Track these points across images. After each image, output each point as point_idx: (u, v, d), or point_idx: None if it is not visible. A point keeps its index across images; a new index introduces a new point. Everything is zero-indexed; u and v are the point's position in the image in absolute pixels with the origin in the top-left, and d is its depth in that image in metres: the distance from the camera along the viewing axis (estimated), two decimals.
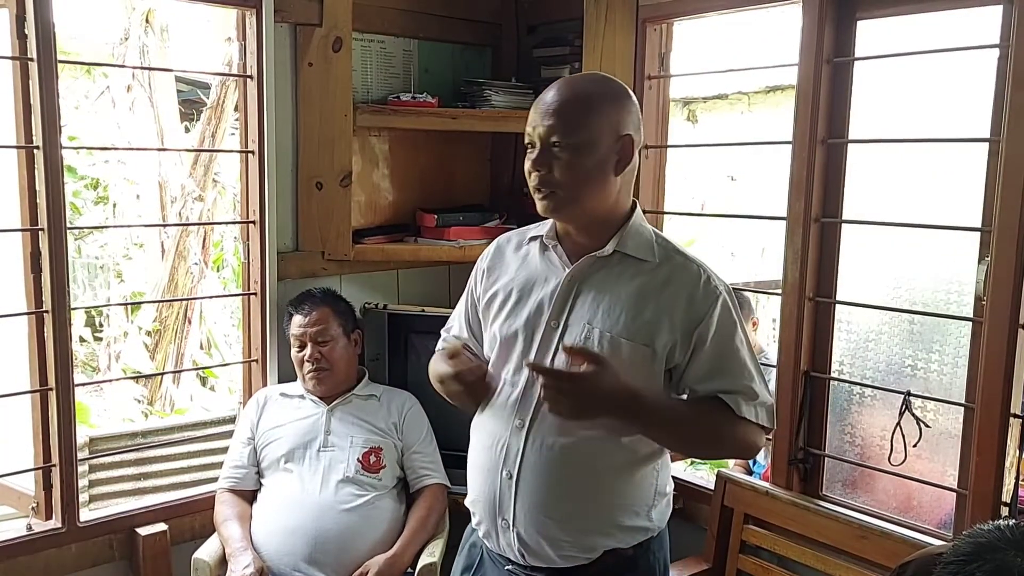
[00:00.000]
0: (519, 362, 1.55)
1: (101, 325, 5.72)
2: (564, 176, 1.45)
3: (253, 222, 2.53)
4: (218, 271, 5.82)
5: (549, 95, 1.48)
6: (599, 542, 1.53)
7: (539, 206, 1.51)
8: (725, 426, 1.50)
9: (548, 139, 1.45)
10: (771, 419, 1.53)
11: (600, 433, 1.49)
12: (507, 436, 1.53)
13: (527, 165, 1.49)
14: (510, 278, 1.61)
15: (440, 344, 1.77)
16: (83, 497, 2.71)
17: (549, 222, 1.59)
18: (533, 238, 1.61)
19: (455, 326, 1.77)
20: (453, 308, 1.82)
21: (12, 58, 2.10)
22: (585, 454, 1.50)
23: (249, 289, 2.58)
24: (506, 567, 1.59)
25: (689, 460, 4.14)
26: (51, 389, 2.18)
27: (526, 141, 1.50)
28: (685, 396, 1.55)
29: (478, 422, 1.62)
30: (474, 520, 1.64)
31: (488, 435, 1.57)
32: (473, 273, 1.71)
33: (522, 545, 1.53)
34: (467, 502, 1.65)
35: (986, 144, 1.95)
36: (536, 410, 1.51)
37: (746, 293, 4.20)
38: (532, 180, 1.49)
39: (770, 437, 2.27)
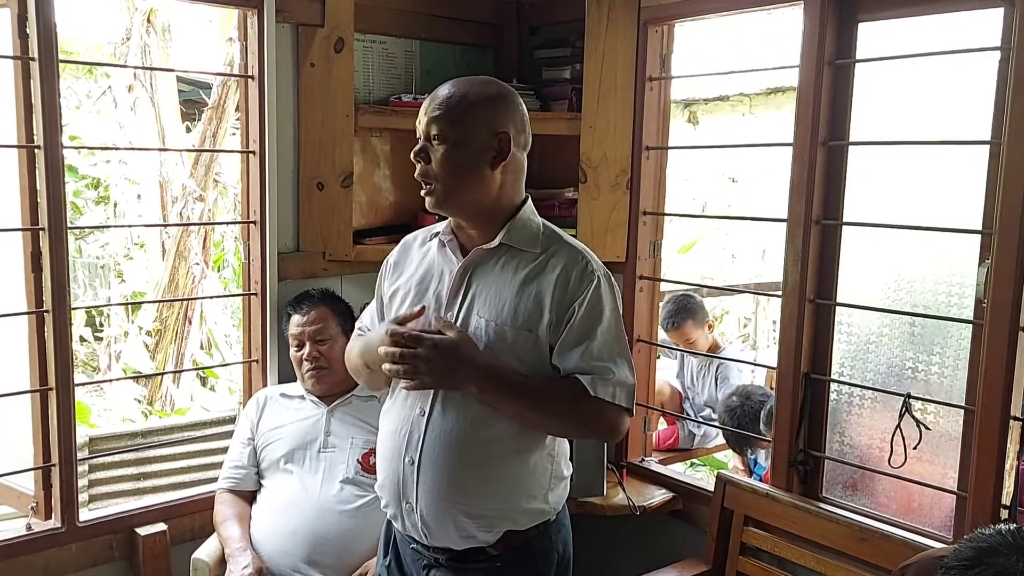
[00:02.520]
0: None
1: (101, 325, 5.72)
2: (440, 168, 1.55)
3: (254, 222, 2.53)
4: (219, 271, 5.82)
5: (435, 94, 1.59)
6: (496, 523, 1.61)
7: (425, 202, 1.60)
8: (580, 404, 1.56)
9: (428, 132, 1.56)
10: (630, 400, 1.60)
11: (496, 420, 1.56)
12: (410, 424, 1.62)
13: (412, 156, 1.59)
14: (410, 275, 1.70)
15: (356, 333, 1.85)
16: (83, 497, 2.71)
17: (448, 220, 1.67)
18: (435, 235, 1.70)
19: (366, 319, 1.84)
20: None
21: (14, 57, 2.10)
22: (482, 440, 1.58)
23: (250, 289, 2.58)
24: (411, 546, 1.70)
25: (688, 462, 4.14)
26: (51, 389, 2.17)
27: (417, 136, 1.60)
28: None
29: (386, 410, 1.71)
30: (382, 503, 1.72)
31: (394, 422, 1.66)
32: (381, 269, 1.79)
33: (424, 527, 1.62)
34: (375, 487, 1.73)
35: (987, 147, 1.95)
36: (436, 399, 1.59)
37: (699, 297, 4.06)
38: (416, 172, 1.59)
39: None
